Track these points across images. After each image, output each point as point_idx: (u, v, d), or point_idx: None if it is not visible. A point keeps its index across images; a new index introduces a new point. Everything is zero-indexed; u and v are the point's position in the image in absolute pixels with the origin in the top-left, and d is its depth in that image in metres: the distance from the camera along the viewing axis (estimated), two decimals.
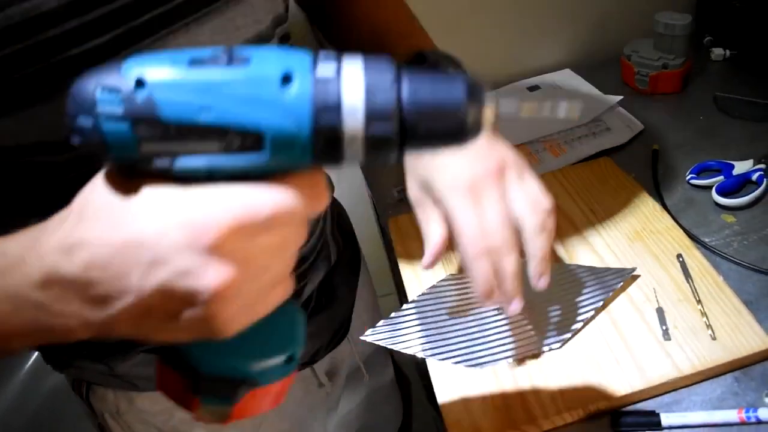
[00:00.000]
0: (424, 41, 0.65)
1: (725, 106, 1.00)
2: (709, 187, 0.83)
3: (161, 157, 0.31)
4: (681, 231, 0.77)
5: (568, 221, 0.81)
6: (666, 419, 0.61)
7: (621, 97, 1.07)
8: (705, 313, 0.66)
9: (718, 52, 1.14)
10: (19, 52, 0.41)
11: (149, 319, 0.32)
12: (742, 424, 0.59)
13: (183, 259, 0.30)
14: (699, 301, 0.68)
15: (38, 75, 0.42)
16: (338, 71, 0.31)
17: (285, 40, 0.59)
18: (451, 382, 0.68)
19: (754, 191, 0.80)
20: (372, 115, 0.31)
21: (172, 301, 0.31)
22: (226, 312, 0.31)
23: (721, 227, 0.79)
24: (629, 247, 0.76)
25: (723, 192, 0.81)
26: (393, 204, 0.96)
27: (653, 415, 0.61)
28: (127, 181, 0.32)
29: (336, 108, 0.31)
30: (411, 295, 0.76)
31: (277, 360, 0.38)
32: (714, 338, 0.64)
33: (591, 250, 0.77)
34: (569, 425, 0.64)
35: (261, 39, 0.54)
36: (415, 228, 0.63)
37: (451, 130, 0.32)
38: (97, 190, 0.32)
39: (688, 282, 0.70)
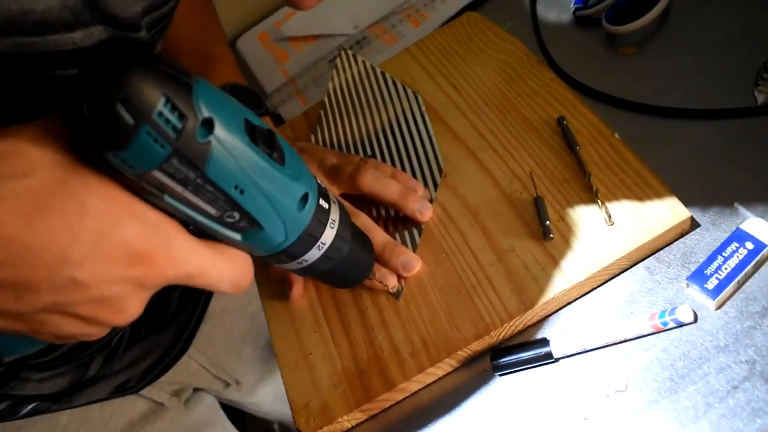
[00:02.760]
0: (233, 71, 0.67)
1: None
2: (598, 18, 0.62)
3: (158, 188, 0.30)
4: (564, 85, 0.57)
5: (428, 108, 0.62)
6: (558, 349, 0.44)
7: None
8: (597, 191, 0.48)
9: None
10: None
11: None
12: (658, 332, 0.43)
13: (111, 289, 0.30)
14: (588, 175, 0.49)
15: None
16: (329, 209, 0.40)
17: None
18: (296, 354, 0.52)
19: (654, 7, 0.60)
20: (327, 254, 0.41)
21: (66, 318, 0.31)
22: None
23: (619, 65, 0.60)
24: (500, 123, 0.57)
25: (616, 18, 0.61)
26: None
27: (542, 345, 0.45)
28: (85, 165, 0.29)
29: (315, 239, 0.39)
30: None
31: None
32: (611, 223, 0.47)
33: (455, 139, 0.58)
34: (442, 379, 0.48)
35: None
36: None
37: (354, 281, 0.49)
38: (45, 158, 0.28)
39: (574, 152, 0.52)
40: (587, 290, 0.47)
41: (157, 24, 0.47)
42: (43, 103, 0.38)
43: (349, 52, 0.71)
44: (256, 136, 0.32)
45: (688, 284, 0.44)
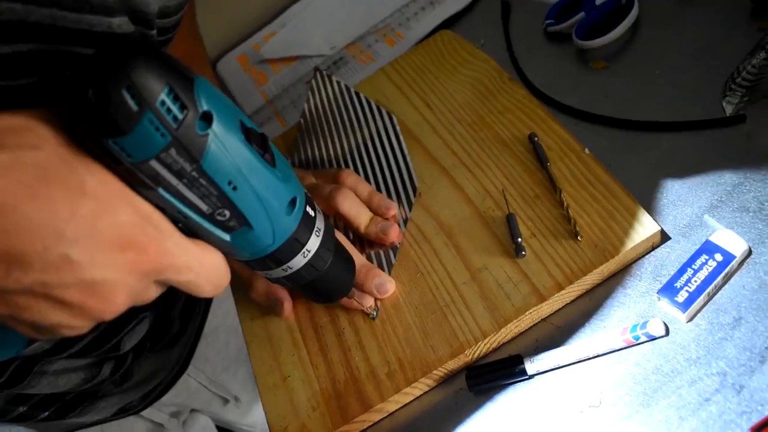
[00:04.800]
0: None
1: None
2: (569, 33, 0.63)
3: (153, 180, 0.30)
4: (535, 101, 0.58)
5: (403, 128, 0.63)
6: (531, 366, 0.44)
7: None
8: (568, 207, 0.49)
9: None
10: None
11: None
12: (631, 346, 0.43)
13: (102, 272, 0.30)
14: (559, 191, 0.50)
15: None
16: (315, 217, 0.41)
17: None
18: (275, 377, 0.52)
19: (623, 21, 0.60)
20: (311, 263, 0.42)
21: (50, 303, 0.30)
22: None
23: (590, 79, 0.60)
24: (473, 140, 0.58)
25: (586, 33, 0.62)
26: None
27: (516, 363, 0.45)
28: (87, 150, 0.30)
29: (301, 245, 0.40)
30: None
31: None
32: (580, 238, 0.47)
33: (429, 157, 0.59)
34: (419, 398, 0.48)
35: None
36: None
37: (336, 295, 0.47)
38: (53, 136, 0.29)
39: (545, 168, 0.52)
40: (560, 306, 0.47)
41: (164, 33, 0.48)
42: (58, 78, 0.39)
43: (324, 73, 0.72)
44: (250, 136, 0.33)
45: (659, 297, 0.44)
